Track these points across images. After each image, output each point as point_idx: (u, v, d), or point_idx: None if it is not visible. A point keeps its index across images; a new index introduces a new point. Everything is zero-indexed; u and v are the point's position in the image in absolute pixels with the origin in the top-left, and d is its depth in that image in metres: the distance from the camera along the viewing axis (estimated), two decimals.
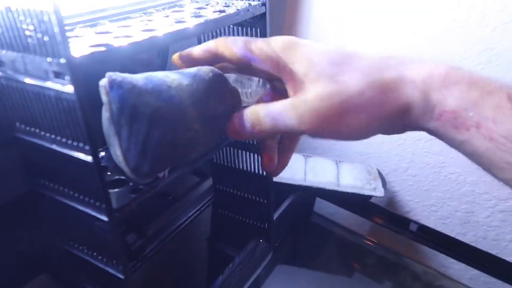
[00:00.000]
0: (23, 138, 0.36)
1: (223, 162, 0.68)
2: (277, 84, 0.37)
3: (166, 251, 0.70)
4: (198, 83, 0.37)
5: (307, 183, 0.78)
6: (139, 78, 0.33)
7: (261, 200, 0.66)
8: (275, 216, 0.73)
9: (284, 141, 0.40)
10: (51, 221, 0.41)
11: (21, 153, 0.38)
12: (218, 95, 0.38)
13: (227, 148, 0.65)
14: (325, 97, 0.29)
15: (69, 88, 0.28)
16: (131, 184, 0.37)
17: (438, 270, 0.93)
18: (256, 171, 0.64)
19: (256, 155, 0.62)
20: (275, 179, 0.77)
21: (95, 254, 0.39)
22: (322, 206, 1.00)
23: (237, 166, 0.66)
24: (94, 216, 0.34)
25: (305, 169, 0.82)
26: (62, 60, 0.27)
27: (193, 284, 0.86)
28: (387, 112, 0.29)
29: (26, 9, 0.27)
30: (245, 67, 0.35)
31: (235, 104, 0.40)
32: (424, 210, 0.90)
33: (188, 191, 0.71)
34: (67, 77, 0.28)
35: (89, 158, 0.31)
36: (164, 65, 0.63)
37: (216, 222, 0.81)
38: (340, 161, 0.86)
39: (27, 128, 0.35)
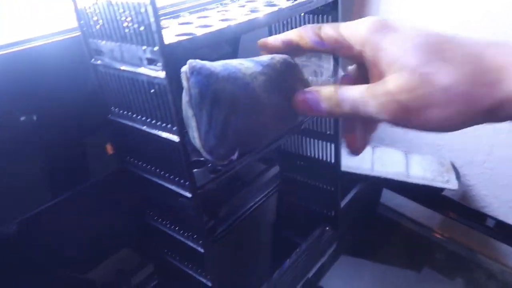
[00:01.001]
0: (116, 121, 0.40)
1: (291, 149, 0.69)
2: (356, 67, 0.37)
3: (234, 233, 0.73)
4: (271, 71, 0.38)
5: (375, 173, 0.76)
6: (216, 66, 0.35)
7: (329, 188, 0.67)
8: (341, 205, 0.73)
9: (365, 122, 0.39)
10: (139, 197, 0.45)
11: (114, 134, 0.42)
12: (290, 83, 0.39)
13: (296, 135, 0.66)
14: (407, 89, 0.28)
15: (160, 74, 0.31)
16: (209, 165, 0.40)
17: None
18: (325, 158, 0.64)
19: (325, 143, 0.63)
20: (343, 168, 0.77)
21: (177, 228, 0.42)
22: (390, 198, 0.98)
23: (304, 153, 0.67)
24: (178, 193, 0.37)
25: (372, 159, 0.80)
26: (156, 48, 0.30)
27: (257, 266, 0.89)
28: (482, 106, 0.27)
29: (125, 2, 0.30)
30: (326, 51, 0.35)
31: None
32: (502, 205, 0.84)
33: (256, 177, 0.73)
34: (159, 64, 0.31)
35: (176, 138, 0.33)
36: (235, 53, 0.65)
37: (281, 208, 0.83)
38: (409, 152, 0.84)
39: (121, 111, 0.39)
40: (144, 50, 0.31)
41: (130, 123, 0.38)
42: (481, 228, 0.74)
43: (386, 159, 0.80)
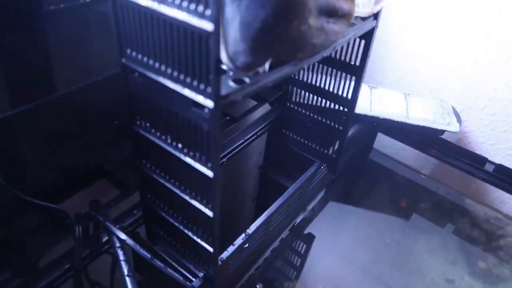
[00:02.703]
0: None
1: (303, 78, 0.62)
2: None
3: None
4: None
5: (373, 113, 0.71)
6: None
7: (337, 126, 0.62)
8: (335, 147, 0.68)
9: None
10: (133, 104, 0.38)
11: (118, 25, 0.33)
12: None
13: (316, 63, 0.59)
14: None
15: None
16: (231, 74, 0.32)
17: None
18: (340, 93, 0.58)
19: (345, 75, 0.56)
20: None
21: (180, 146, 0.35)
22: (383, 144, 0.94)
23: (317, 84, 0.61)
24: (193, 101, 0.30)
25: (370, 99, 0.75)
26: None
27: (242, 207, 0.85)
28: None
29: None
30: None
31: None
32: (498, 153, 0.81)
33: (246, 113, 0.67)
34: None
35: (210, 27, 0.26)
36: None
37: (270, 150, 0.77)
38: (409, 94, 0.79)
39: None
40: None
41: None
42: (480, 173, 0.71)
43: (385, 99, 0.75)
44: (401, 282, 1.00)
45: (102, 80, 0.47)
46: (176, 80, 0.31)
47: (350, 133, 0.71)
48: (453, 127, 0.70)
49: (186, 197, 0.39)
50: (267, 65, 0.32)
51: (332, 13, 0.34)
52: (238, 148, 0.67)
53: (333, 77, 0.58)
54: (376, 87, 0.79)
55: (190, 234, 0.42)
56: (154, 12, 0.28)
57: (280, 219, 0.58)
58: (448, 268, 0.98)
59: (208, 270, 0.44)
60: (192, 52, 0.28)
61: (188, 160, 0.35)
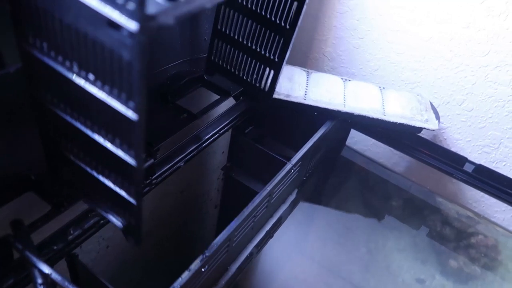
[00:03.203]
0: None
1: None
2: None
3: (176, 177, 0.59)
4: None
5: (347, 109, 0.65)
6: None
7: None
8: (307, 146, 0.61)
9: None
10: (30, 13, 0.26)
11: None
12: None
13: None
14: None
15: None
16: None
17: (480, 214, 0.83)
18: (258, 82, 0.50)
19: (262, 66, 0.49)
20: (309, 102, 0.65)
21: (97, 82, 0.26)
22: (355, 140, 0.88)
23: (237, 71, 0.53)
24: (110, 20, 0.21)
25: (344, 93, 0.68)
26: None
27: (205, 214, 0.77)
28: None
29: None
30: None
31: None
32: (474, 151, 0.78)
33: (207, 109, 0.58)
34: None
35: None
36: None
37: (235, 148, 0.70)
38: (384, 87, 0.73)
39: None
40: None
41: None
42: (459, 174, 0.66)
43: (360, 94, 0.69)
44: (371, 283, 0.96)
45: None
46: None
47: (323, 130, 0.64)
48: (432, 124, 0.65)
49: (100, 140, 0.30)
50: None
51: None
52: (198, 149, 0.59)
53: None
54: (350, 80, 0.73)
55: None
56: None
57: (246, 232, 0.51)
58: (418, 267, 0.95)
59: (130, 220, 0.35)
60: None
61: (103, 96, 0.26)
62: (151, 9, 0.21)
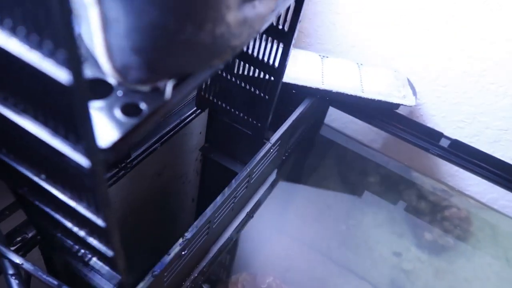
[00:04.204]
0: None
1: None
2: None
3: (153, 159, 0.58)
4: None
5: (325, 86, 0.64)
6: None
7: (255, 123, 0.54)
8: (286, 125, 0.60)
9: None
10: None
11: None
12: None
13: None
14: None
15: None
16: (119, 92, 0.22)
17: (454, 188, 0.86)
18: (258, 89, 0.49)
19: (272, 45, 0.47)
20: (286, 80, 0.63)
21: (67, 193, 0.24)
22: (333, 118, 0.88)
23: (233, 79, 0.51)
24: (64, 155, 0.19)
25: (322, 70, 0.67)
26: None
27: (184, 196, 0.76)
28: None
29: None
30: None
31: None
32: (449, 126, 0.79)
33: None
34: None
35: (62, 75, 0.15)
36: None
37: (212, 129, 0.68)
38: (362, 64, 0.72)
39: None
40: None
41: None
42: (435, 149, 0.67)
43: (338, 71, 0.68)
44: (349, 257, 0.98)
45: None
46: (33, 120, 0.20)
47: (301, 109, 0.63)
48: (409, 100, 0.65)
49: (80, 233, 0.28)
50: (170, 83, 0.22)
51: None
52: (175, 130, 0.57)
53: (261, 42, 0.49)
54: (327, 57, 0.72)
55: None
56: None
57: (226, 213, 0.50)
58: (395, 241, 0.97)
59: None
60: (48, 97, 0.17)
61: (73, 204, 0.25)
62: (105, 139, 0.19)
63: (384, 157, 0.91)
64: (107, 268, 0.33)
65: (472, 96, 0.73)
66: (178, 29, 0.19)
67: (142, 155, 0.52)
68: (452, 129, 0.79)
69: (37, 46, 0.16)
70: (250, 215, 0.62)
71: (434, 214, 0.93)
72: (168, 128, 0.55)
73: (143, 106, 0.21)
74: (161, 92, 0.22)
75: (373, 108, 0.68)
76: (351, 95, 0.64)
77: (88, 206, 0.24)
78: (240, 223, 0.58)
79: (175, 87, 0.23)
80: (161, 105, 0.22)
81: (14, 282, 0.32)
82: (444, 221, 0.93)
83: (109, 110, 0.20)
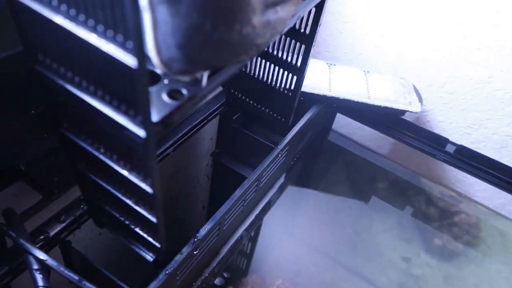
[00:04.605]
0: None
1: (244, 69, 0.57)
2: None
3: (166, 164, 0.60)
4: None
5: (333, 93, 0.66)
6: None
7: (280, 117, 0.57)
8: (294, 131, 0.62)
9: None
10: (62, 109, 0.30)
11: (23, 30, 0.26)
12: None
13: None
14: None
15: None
16: (165, 81, 0.26)
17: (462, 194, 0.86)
18: (282, 86, 0.53)
19: (285, 72, 0.53)
20: None
21: (121, 162, 0.29)
22: (341, 124, 0.90)
23: (261, 77, 0.56)
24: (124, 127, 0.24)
25: (329, 78, 0.69)
26: None
27: (195, 200, 0.78)
28: None
29: None
30: None
31: None
32: (456, 132, 0.80)
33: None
34: None
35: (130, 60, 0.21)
36: None
37: (223, 135, 0.70)
38: (368, 71, 0.74)
39: None
40: None
41: None
42: (441, 155, 0.68)
43: (345, 78, 0.70)
44: (358, 262, 0.99)
45: (8, 58, 0.37)
46: (100, 100, 0.25)
47: (309, 115, 0.65)
48: (415, 107, 0.67)
49: (128, 202, 0.32)
50: (205, 74, 0.26)
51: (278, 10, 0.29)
52: (187, 136, 0.59)
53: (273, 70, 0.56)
54: (335, 64, 0.74)
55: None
56: (66, 31, 0.22)
57: (236, 215, 0.52)
58: (404, 246, 0.98)
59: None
60: (116, 80, 0.22)
61: (125, 173, 0.29)
62: (156, 115, 0.23)
63: (392, 163, 0.92)
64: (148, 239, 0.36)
65: (479, 102, 0.74)
66: (213, 29, 0.23)
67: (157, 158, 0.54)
68: (459, 135, 0.80)
69: (112, 39, 0.21)
70: (259, 218, 0.64)
71: (443, 220, 0.93)
72: (180, 134, 0.58)
73: (184, 91, 0.26)
74: (199, 81, 0.26)
75: (379, 115, 0.69)
76: (357, 102, 0.66)
77: (138, 175, 0.29)
78: (249, 225, 0.60)
79: (209, 77, 0.27)
80: (198, 91, 0.26)
81: (38, 277, 0.34)
82: (453, 226, 0.94)
83: (158, 94, 0.25)
